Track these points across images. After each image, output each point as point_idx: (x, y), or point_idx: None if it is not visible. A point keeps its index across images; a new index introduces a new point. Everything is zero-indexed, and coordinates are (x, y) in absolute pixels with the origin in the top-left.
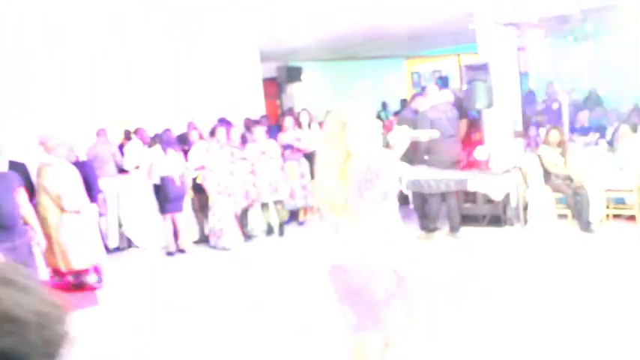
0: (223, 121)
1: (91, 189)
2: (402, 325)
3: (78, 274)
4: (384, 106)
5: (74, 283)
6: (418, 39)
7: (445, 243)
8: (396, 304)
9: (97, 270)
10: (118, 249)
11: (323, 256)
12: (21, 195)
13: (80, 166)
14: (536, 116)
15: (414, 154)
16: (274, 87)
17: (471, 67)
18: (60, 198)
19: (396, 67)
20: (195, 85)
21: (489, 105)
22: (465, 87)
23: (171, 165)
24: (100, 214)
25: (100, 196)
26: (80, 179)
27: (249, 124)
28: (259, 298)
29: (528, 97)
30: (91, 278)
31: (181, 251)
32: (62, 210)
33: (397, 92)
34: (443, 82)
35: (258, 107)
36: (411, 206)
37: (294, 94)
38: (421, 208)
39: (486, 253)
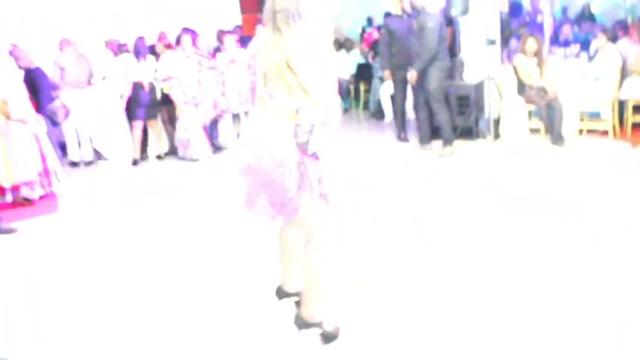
0: (188, 30)
1: (41, 97)
2: (319, 222)
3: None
4: (370, 21)
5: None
6: None
7: (417, 154)
8: (308, 198)
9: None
10: (82, 162)
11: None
12: None
13: (30, 73)
14: (520, 28)
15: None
16: (254, 1)
17: None
18: (6, 104)
19: None
20: None
21: (464, 12)
22: None
23: (142, 72)
24: (56, 124)
25: (58, 104)
26: (25, 87)
27: (221, 36)
28: (222, 205)
29: (514, 9)
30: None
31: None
32: (7, 118)
33: (384, 7)
34: None
35: (233, 20)
36: (387, 120)
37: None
38: (427, 119)
39: (457, 165)
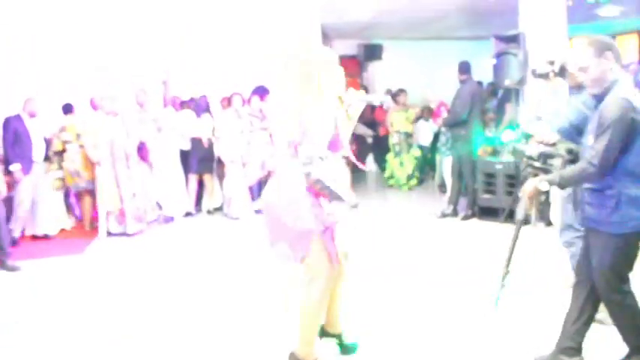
0: (259, 90)
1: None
2: (323, 264)
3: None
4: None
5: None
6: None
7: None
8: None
9: None
10: None
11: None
12: None
13: None
14: None
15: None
16: (355, 65)
17: (501, 39)
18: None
19: (488, 48)
20: (251, 58)
21: (521, 82)
22: (493, 61)
23: (201, 127)
24: None
25: None
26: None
27: None
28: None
29: None
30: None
31: (189, 214)
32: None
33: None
34: None
35: None
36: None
37: (375, 72)
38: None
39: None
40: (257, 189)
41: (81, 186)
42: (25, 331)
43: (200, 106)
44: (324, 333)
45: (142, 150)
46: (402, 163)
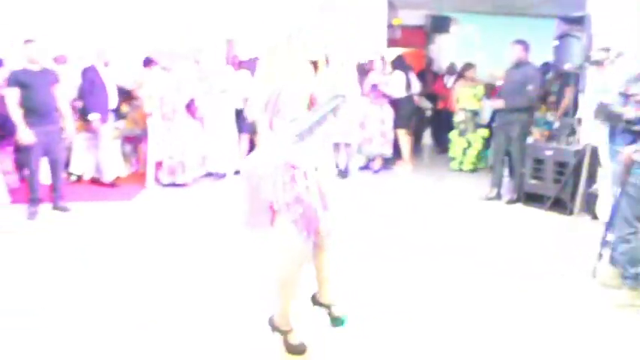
0: None
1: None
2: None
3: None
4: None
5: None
6: None
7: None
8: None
9: None
10: None
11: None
12: (58, 89)
13: None
14: None
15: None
16: (422, 36)
17: (565, 20)
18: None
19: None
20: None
21: (582, 67)
22: (555, 42)
23: (252, 89)
24: None
25: None
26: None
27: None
28: None
29: None
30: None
31: (239, 173)
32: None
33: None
34: None
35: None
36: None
37: (443, 45)
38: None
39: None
40: None
41: (135, 132)
42: (58, 268)
43: (254, 67)
44: (315, 302)
45: (190, 106)
46: (469, 144)
